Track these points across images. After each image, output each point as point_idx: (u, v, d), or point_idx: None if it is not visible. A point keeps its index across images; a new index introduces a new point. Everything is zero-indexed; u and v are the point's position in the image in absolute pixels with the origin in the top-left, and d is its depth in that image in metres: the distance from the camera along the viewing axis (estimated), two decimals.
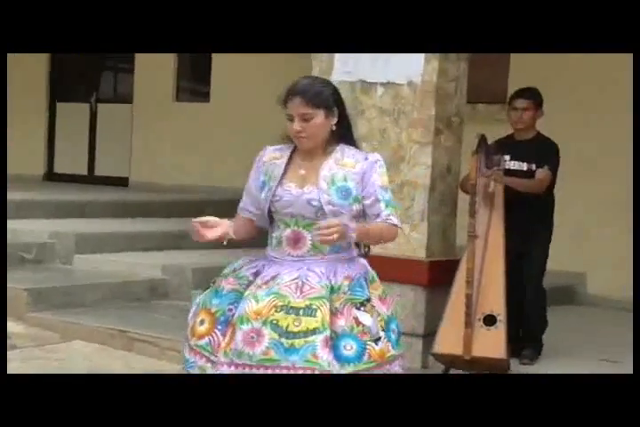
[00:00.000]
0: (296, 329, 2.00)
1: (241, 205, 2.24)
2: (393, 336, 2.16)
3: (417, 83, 3.56)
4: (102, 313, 4.28)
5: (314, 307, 2.02)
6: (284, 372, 2.01)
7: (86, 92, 7.84)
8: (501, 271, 3.40)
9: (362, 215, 2.09)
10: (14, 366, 3.27)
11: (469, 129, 3.73)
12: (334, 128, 2.06)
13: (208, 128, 6.96)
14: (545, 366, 3.55)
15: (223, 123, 6.83)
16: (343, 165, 2.08)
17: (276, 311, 2.01)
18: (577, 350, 3.86)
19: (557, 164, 3.43)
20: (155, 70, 7.22)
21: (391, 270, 3.30)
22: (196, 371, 2.17)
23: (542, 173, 3.35)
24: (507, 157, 3.41)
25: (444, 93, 3.57)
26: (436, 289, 3.53)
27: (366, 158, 2.10)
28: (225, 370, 2.07)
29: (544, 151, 3.45)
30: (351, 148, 2.10)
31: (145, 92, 7.31)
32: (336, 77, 3.63)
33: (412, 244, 3.56)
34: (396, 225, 2.07)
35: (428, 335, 3.56)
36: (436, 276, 3.54)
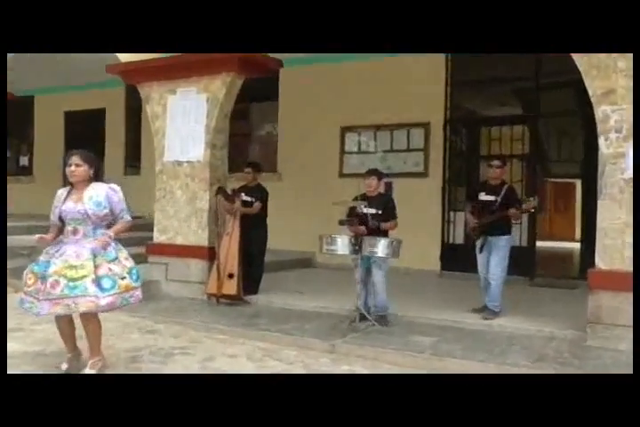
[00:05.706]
0: (75, 276, 2.91)
1: (51, 221, 3.13)
2: (134, 277, 3.09)
3: (201, 161, 5.86)
4: None
5: (84, 264, 2.93)
6: (71, 302, 2.84)
7: None
8: (237, 251, 5.51)
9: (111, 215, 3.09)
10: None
11: (229, 184, 6.10)
12: (92, 175, 3.11)
13: None
14: (261, 297, 5.66)
15: None
16: (95, 190, 3.06)
17: (64, 268, 2.91)
18: (282, 287, 6.11)
19: (267, 199, 5.76)
20: None
21: (191, 251, 5.65)
22: (27, 306, 2.95)
23: (257, 205, 5.71)
24: (242, 195, 5.70)
25: (214, 166, 5.90)
26: (210, 260, 5.70)
27: (109, 188, 3.09)
28: (45, 304, 2.85)
29: (259, 192, 5.83)
30: (99, 183, 3.13)
31: None
32: (166, 159, 5.99)
33: (202, 238, 5.81)
34: (129, 220, 3.17)
35: (205, 283, 5.67)
36: (211, 254, 5.68)
